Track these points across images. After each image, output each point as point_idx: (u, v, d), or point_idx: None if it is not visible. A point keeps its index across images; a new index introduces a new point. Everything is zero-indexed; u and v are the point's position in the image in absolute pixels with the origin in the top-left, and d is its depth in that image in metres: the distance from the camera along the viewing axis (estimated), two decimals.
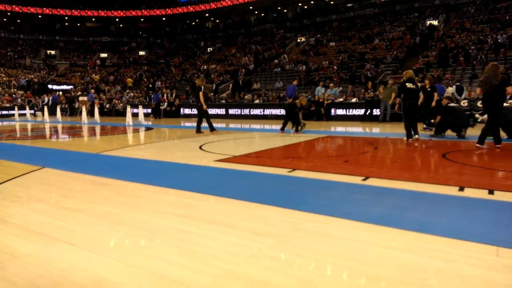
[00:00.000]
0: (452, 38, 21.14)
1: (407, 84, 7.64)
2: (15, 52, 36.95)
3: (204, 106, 9.93)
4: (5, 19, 37.37)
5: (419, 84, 8.53)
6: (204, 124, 10.21)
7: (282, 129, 10.15)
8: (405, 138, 7.69)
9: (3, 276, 1.99)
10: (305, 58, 24.98)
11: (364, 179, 4.13)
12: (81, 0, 39.43)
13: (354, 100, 15.42)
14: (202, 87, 9.90)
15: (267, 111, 17.36)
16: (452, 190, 3.60)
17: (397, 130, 7.68)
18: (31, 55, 37.69)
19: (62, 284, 1.89)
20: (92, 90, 25.39)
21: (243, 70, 26.02)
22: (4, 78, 31.15)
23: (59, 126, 15.38)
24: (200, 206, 3.26)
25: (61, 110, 21.31)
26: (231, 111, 18.56)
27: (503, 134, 7.94)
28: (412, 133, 7.65)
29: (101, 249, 2.33)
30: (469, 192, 3.52)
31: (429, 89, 9.97)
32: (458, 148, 7.18)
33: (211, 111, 19.17)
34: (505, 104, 7.90)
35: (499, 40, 18.46)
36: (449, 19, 24.69)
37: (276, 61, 26.23)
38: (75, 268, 2.07)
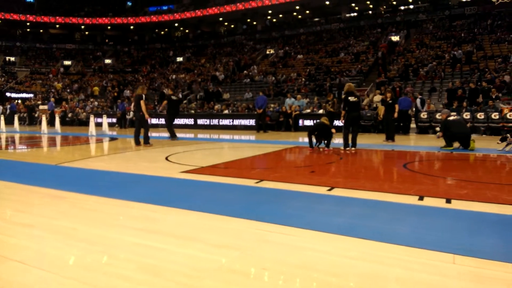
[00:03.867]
0: (413, 53, 22.27)
1: (349, 98, 7.99)
2: None
3: (146, 116, 9.23)
4: None
5: (379, 96, 8.90)
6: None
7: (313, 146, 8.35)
8: (342, 148, 8.13)
9: None
10: (274, 70, 25.36)
11: (329, 189, 4.19)
12: (44, 6, 38.01)
13: (321, 111, 15.78)
14: (143, 95, 9.33)
15: (237, 121, 17.39)
16: (412, 199, 3.73)
17: (361, 140, 7.93)
18: None
19: None
20: (52, 99, 24.36)
21: (211, 81, 25.98)
22: None
23: (17, 136, 14.57)
24: (162, 219, 3.17)
25: (19, 119, 20.26)
26: (200, 121, 18.43)
27: (457, 145, 8.39)
28: (350, 143, 8.06)
29: (55, 268, 2.19)
30: (428, 201, 3.66)
31: (390, 101, 10.40)
32: (418, 158, 7.50)
33: (180, 121, 18.97)
34: (451, 118, 8.37)
35: (456, 56, 19.63)
36: (410, 35, 26.03)
37: (245, 72, 26.43)
38: None
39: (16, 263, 2.25)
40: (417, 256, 2.30)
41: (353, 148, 8.00)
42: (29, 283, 2.01)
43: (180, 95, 24.58)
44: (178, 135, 14.45)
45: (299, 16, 35.22)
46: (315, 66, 23.79)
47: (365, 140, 10.41)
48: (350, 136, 8.09)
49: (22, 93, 31.00)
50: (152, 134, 13.72)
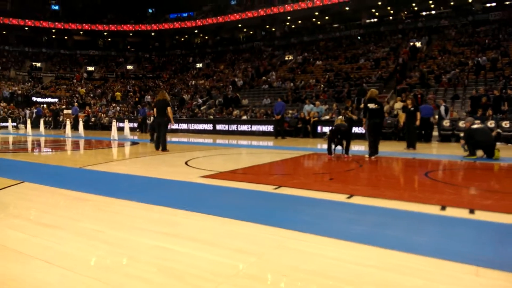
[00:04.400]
0: (435, 59, 21.84)
1: (368, 104, 7.89)
2: None
3: (172, 122, 9.62)
4: None
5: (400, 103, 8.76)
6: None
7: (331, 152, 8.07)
8: (367, 156, 7.96)
9: None
10: (292, 76, 25.37)
11: (348, 197, 4.16)
12: (69, 14, 39.38)
13: (340, 117, 15.64)
14: (169, 101, 9.58)
15: (255, 127, 17.45)
16: (434, 209, 3.65)
17: (382, 148, 7.82)
18: (16, 67, 37.20)
19: None
20: (76, 104, 25.09)
21: (231, 86, 26.22)
22: None
23: (42, 139, 15.09)
24: (183, 223, 3.22)
25: (45, 123, 20.96)
26: (219, 127, 18.58)
27: (480, 153, 8.16)
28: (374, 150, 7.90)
29: (78, 268, 2.26)
30: (451, 211, 3.58)
31: (412, 108, 10.22)
32: (440, 167, 7.33)
33: (199, 126, 19.20)
34: (475, 126, 8.15)
35: (480, 63, 19.14)
36: (431, 41, 25.57)
37: (264, 78, 26.54)
38: (50, 287, 2.00)
39: (40, 262, 2.34)
40: (437, 267, 2.25)
41: (372, 156, 7.88)
42: (52, 281, 2.08)
43: (200, 100, 24.91)
44: (197, 140, 14.65)
45: (318, 22, 35.18)
46: (334, 72, 23.66)
47: (385, 148, 10.26)
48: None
49: (48, 97, 32.08)
50: (172, 139, 13.95)
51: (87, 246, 2.64)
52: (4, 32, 38.16)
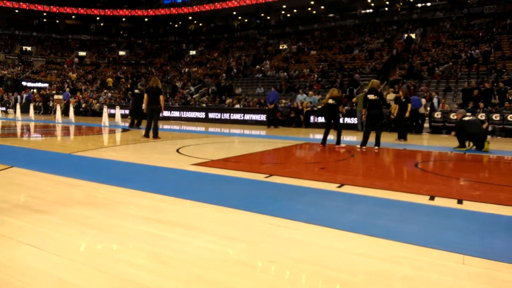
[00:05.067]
0: (428, 51, 21.88)
1: (368, 95, 7.92)
2: None
3: (163, 110, 9.44)
4: None
5: (392, 95, 8.80)
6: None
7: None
8: (358, 146, 8.04)
9: None
10: (286, 65, 25.23)
11: (339, 186, 4.18)
12: None
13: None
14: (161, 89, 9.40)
15: (247, 116, 17.39)
16: (423, 199, 3.69)
17: (372, 139, 7.86)
18: (6, 51, 36.36)
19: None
20: (67, 89, 24.70)
21: (224, 74, 26.01)
22: None
23: (32, 124, 14.86)
24: (173, 210, 3.21)
25: (35, 108, 20.62)
26: (211, 115, 18.49)
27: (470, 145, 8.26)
28: (373, 142, 7.92)
29: (68, 253, 2.25)
30: (439, 201, 3.62)
31: (403, 99, 10.26)
32: (430, 158, 7.40)
33: (192, 114, 19.07)
34: (466, 118, 8.23)
35: (473, 56, 19.22)
36: (426, 33, 25.57)
37: (257, 66, 26.36)
38: (38, 273, 1.99)
39: (30, 247, 2.31)
40: (426, 256, 2.29)
41: (376, 147, 7.84)
42: (42, 267, 2.06)
43: (192, 88, 24.70)
44: (189, 127, 14.57)
45: (314, 12, 34.86)
46: (328, 62, 23.59)
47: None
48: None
49: (38, 82, 31.49)
50: (163, 126, 13.85)
51: (77, 232, 2.62)
52: None
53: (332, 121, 8.21)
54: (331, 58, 24.48)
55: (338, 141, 8.08)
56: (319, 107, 10.63)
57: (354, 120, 14.30)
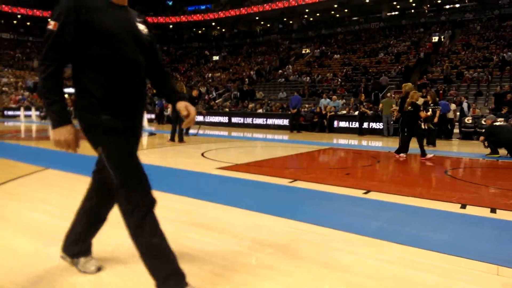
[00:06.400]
0: (458, 54, 21.25)
1: (406, 104, 7.46)
2: (23, 54, 37.37)
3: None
4: (15, 21, 37.94)
5: (421, 99, 8.50)
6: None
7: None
8: (400, 154, 7.59)
9: (4, 274, 2.00)
10: (309, 70, 25.14)
11: (365, 193, 4.13)
12: None
13: (356, 113, 15.49)
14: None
15: (270, 121, 17.43)
16: (454, 207, 3.59)
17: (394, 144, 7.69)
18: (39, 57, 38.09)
19: (60, 283, 1.91)
20: None
21: (247, 79, 26.19)
22: (12, 79, 31.46)
23: None
24: (200, 213, 3.28)
25: None
26: (234, 120, 18.64)
27: (503, 152, 7.95)
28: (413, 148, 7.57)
29: (100, 251, 2.34)
30: (471, 210, 3.51)
31: (432, 104, 10.01)
32: (460, 165, 7.18)
33: (215, 118, 19.31)
34: (497, 123, 7.91)
35: (505, 58, 18.52)
36: (455, 36, 24.85)
37: (280, 71, 26.40)
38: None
39: None
40: (457, 265, 2.23)
41: (429, 155, 7.25)
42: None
43: (214, 94, 25.01)
44: (212, 132, 14.75)
45: (337, 15, 34.63)
46: (352, 66, 23.32)
47: None
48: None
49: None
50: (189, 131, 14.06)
51: (111, 230, 2.72)
52: (28, 24, 39.09)
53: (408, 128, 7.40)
54: (355, 62, 24.20)
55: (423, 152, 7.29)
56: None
57: (380, 125, 14.05)
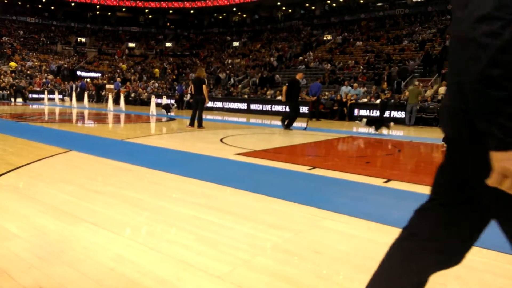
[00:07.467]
0: None
1: None
2: (47, 38, 38.13)
3: (207, 100, 9.46)
4: (39, 6, 38.63)
5: (439, 87, 8.23)
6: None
7: None
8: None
9: (30, 249, 2.08)
10: (330, 57, 24.68)
11: (385, 181, 4.07)
12: None
13: (378, 101, 15.16)
14: (205, 79, 9.44)
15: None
16: None
17: (422, 134, 7.50)
18: (63, 42, 38.83)
19: (84, 261, 1.97)
20: (118, 79, 25.94)
21: (267, 66, 25.95)
22: (36, 63, 32.26)
23: (86, 112, 15.83)
24: (219, 196, 3.30)
25: (88, 96, 21.92)
26: (253, 106, 18.58)
27: None
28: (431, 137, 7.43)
29: (123, 231, 2.40)
30: None
31: None
32: None
33: (233, 105, 19.31)
34: None
35: None
36: None
37: (300, 58, 26.04)
38: (98, 247, 2.14)
39: (90, 224, 2.50)
40: (481, 256, 2.18)
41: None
42: (99, 241, 2.22)
43: (232, 80, 24.95)
44: (231, 118, 14.78)
45: (361, 1, 33.65)
46: (375, 53, 22.74)
47: (426, 134, 9.84)
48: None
49: (91, 72, 33.36)
50: (207, 116, 14.15)
51: (130, 212, 2.79)
52: (53, 8, 39.77)
53: None
54: (378, 49, 23.57)
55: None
56: None
57: (401, 114, 13.73)
